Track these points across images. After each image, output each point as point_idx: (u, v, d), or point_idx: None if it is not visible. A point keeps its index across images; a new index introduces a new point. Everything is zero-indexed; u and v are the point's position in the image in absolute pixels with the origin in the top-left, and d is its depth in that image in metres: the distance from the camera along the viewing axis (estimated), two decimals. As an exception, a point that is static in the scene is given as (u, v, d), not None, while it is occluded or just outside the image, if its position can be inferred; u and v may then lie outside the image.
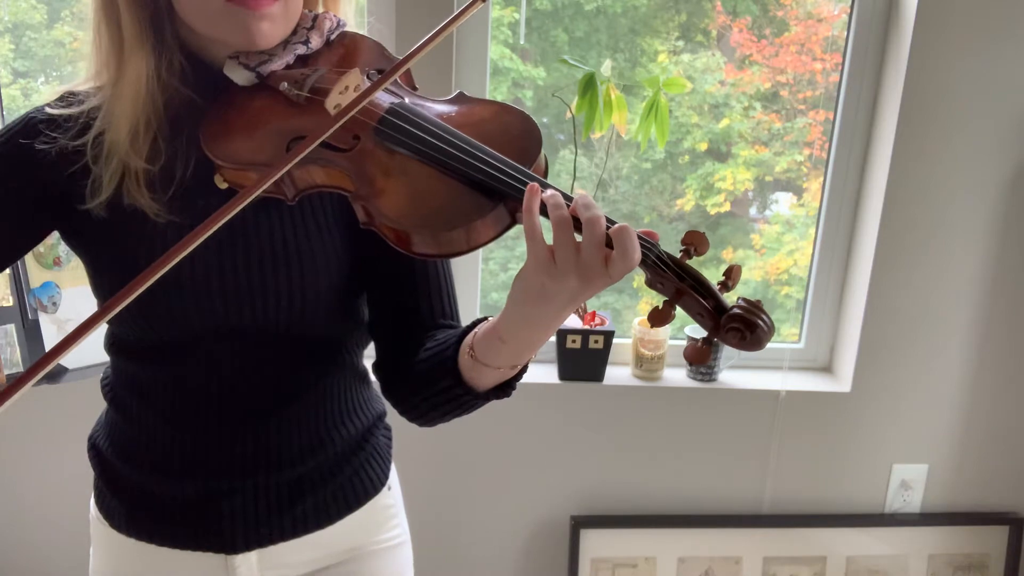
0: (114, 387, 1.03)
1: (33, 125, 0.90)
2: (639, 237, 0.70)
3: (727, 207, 2.21)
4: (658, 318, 0.73)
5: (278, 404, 0.97)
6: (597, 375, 1.94)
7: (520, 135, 0.80)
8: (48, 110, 0.90)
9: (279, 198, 0.83)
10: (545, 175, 0.80)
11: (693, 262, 0.74)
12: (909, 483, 2.06)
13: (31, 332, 1.66)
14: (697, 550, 2.03)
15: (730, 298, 0.72)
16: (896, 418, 2.01)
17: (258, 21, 0.83)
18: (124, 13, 0.84)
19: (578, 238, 0.70)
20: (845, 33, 1.90)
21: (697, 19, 2.15)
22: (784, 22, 2.12)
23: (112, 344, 1.00)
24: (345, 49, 0.92)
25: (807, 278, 2.07)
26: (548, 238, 0.71)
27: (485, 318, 0.85)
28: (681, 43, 2.15)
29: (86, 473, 1.06)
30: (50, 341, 1.68)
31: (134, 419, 1.00)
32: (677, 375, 2.01)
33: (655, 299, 0.75)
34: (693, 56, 2.14)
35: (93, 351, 1.71)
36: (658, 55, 2.15)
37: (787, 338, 2.15)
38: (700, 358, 0.73)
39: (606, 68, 1.78)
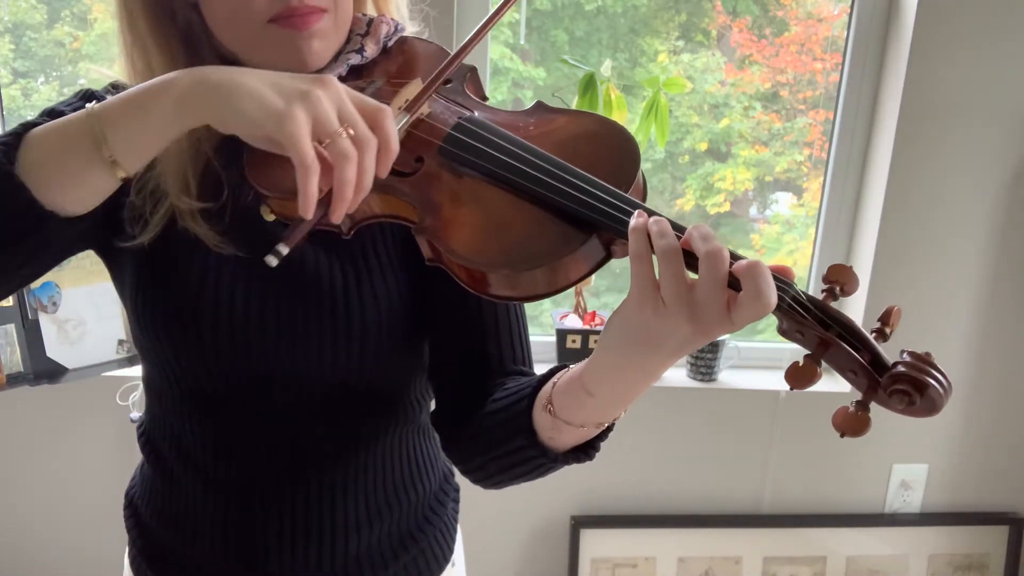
0: (151, 438, 0.93)
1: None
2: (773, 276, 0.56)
3: (727, 207, 2.21)
4: (799, 377, 0.57)
5: (333, 466, 0.87)
6: (597, 375, 1.94)
7: (614, 152, 0.68)
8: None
9: (333, 231, 0.72)
10: (644, 198, 0.67)
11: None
12: (909, 483, 2.06)
13: (31, 332, 1.66)
14: (697, 550, 2.03)
15: (888, 347, 0.58)
16: (896, 418, 2.00)
17: (307, 41, 0.73)
18: (150, 43, 0.76)
19: (693, 276, 0.57)
20: (845, 33, 1.90)
21: (697, 19, 2.15)
22: (784, 22, 2.12)
23: (150, 388, 0.91)
24: (404, 57, 0.82)
25: (807, 278, 2.07)
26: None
27: (566, 366, 0.72)
28: (681, 43, 2.15)
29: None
30: (50, 341, 1.69)
31: (172, 479, 0.90)
32: (677, 375, 2.01)
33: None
34: (693, 56, 2.14)
35: (93, 351, 1.72)
36: (658, 55, 2.15)
37: (787, 338, 2.15)
38: (859, 428, 0.57)
39: (606, 68, 1.78)
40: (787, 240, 2.25)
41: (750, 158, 2.17)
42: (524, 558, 2.07)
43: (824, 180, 1.99)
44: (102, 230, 0.80)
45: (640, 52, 2.15)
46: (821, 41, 2.07)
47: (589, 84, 1.74)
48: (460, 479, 1.01)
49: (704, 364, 1.96)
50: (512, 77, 2.09)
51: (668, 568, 2.03)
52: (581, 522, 1.99)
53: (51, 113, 0.80)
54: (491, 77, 1.89)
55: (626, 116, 1.82)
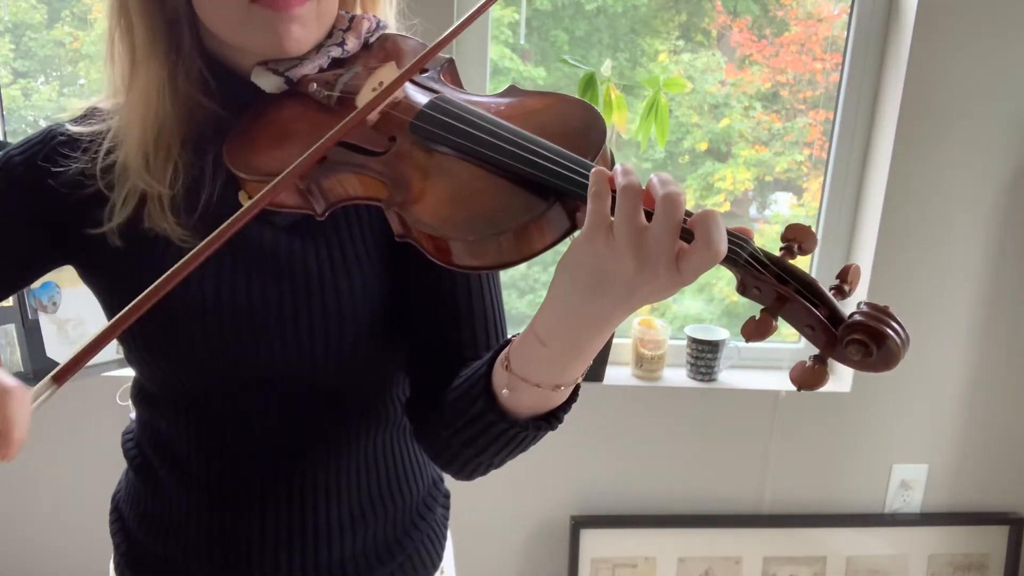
0: (139, 444, 0.93)
1: (53, 145, 0.83)
2: (728, 232, 0.56)
3: (727, 207, 2.21)
4: (755, 331, 0.58)
5: (315, 468, 0.87)
6: (597, 375, 1.94)
7: (580, 123, 0.69)
8: (69, 127, 0.83)
9: (308, 213, 0.73)
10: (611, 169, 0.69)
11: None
12: (909, 483, 2.06)
13: (31, 332, 1.67)
14: (697, 550, 2.03)
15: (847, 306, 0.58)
16: (896, 418, 2.01)
17: (287, 24, 0.75)
18: (136, 20, 0.77)
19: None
20: (845, 33, 1.90)
21: (697, 19, 2.15)
22: (784, 22, 2.12)
23: (138, 394, 0.92)
24: (386, 52, 0.83)
25: (807, 278, 2.07)
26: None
27: None
28: (681, 43, 2.15)
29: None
30: (50, 341, 1.69)
31: (157, 482, 0.90)
32: (677, 375, 2.01)
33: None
34: (693, 56, 2.14)
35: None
36: (658, 55, 2.15)
37: (787, 338, 2.15)
38: (814, 382, 0.58)
39: (606, 68, 1.78)
40: (787, 240, 2.25)
41: (750, 158, 2.17)
42: (524, 558, 2.07)
43: (824, 180, 1.99)
44: (62, 242, 0.82)
45: (640, 52, 2.15)
46: (821, 41, 2.07)
47: (589, 84, 1.74)
48: (450, 485, 1.01)
49: (704, 364, 1.96)
50: (512, 77, 2.09)
51: (668, 568, 2.03)
52: (581, 522, 2.00)
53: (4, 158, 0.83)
54: (491, 77, 1.89)
55: (626, 116, 1.82)
